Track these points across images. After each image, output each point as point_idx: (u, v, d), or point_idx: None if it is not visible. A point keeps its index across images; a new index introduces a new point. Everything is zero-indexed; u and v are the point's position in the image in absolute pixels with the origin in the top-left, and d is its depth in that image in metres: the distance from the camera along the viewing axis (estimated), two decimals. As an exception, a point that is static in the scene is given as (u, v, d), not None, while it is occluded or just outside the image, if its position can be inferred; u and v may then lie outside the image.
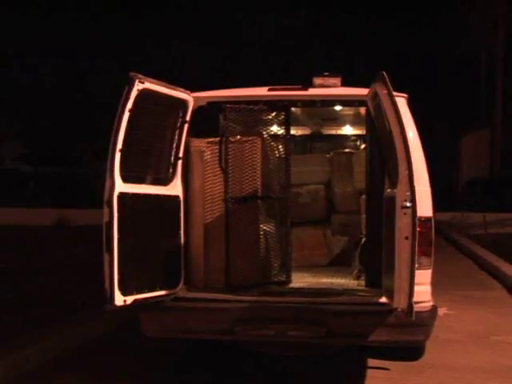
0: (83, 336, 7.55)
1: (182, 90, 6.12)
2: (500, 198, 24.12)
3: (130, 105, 5.35)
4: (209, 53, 30.96)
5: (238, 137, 6.36)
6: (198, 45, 30.98)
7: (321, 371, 6.59)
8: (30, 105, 31.40)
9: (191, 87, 6.31)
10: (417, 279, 5.00)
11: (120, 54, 29.46)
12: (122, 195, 5.33)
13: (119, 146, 5.30)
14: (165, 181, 6.12)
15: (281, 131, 6.55)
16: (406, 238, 5.05)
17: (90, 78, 30.60)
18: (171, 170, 6.18)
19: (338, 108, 7.47)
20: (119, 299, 5.28)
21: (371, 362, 6.72)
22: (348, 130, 9.63)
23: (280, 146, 6.54)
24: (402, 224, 5.15)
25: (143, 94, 5.48)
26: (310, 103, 6.64)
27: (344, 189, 8.49)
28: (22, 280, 10.05)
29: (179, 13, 31.72)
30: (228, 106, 6.26)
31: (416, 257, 4.99)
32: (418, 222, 5.01)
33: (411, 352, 6.67)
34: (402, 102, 5.89)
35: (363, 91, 6.15)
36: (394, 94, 5.25)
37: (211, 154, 6.33)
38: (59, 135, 31.76)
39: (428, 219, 5.61)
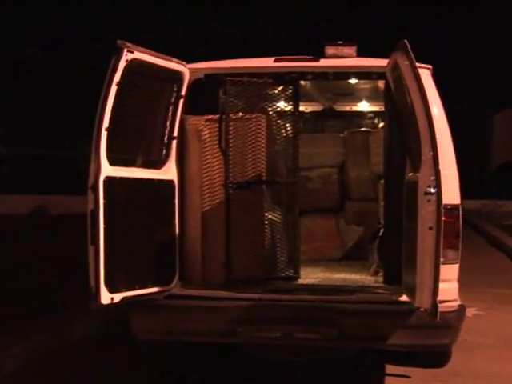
0: (66, 336, 7.62)
1: (176, 60, 6.10)
2: (537, 185, 24.05)
3: (117, 77, 5.34)
4: (208, 17, 30.82)
5: (240, 114, 6.36)
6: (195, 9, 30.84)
7: (332, 378, 6.63)
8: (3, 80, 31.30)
9: (187, 58, 6.30)
10: (442, 275, 5.02)
11: (107, 23, 29.34)
12: (108, 180, 5.34)
13: (105, 124, 5.30)
14: (157, 163, 6.13)
15: (288, 107, 6.54)
16: (430, 228, 5.07)
17: (72, 49, 30.54)
18: (164, 152, 6.19)
19: (353, 81, 7.45)
20: (106, 297, 5.30)
21: (390, 368, 6.76)
22: (364, 106, 9.62)
23: (287, 125, 6.54)
24: (426, 212, 5.16)
25: (132, 64, 5.47)
26: (321, 76, 6.63)
27: (359, 173, 8.50)
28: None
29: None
30: (229, 78, 6.25)
31: (441, 250, 5.00)
32: (443, 210, 5.03)
33: (435, 358, 6.67)
34: (425, 74, 5.88)
35: (382, 62, 6.14)
36: (417, 65, 5.25)
37: (210, 133, 6.34)
38: (37, 112, 31.69)
39: (455, 207, 5.62)
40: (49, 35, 31.35)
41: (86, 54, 29.01)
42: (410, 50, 5.22)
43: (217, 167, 6.33)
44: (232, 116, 6.27)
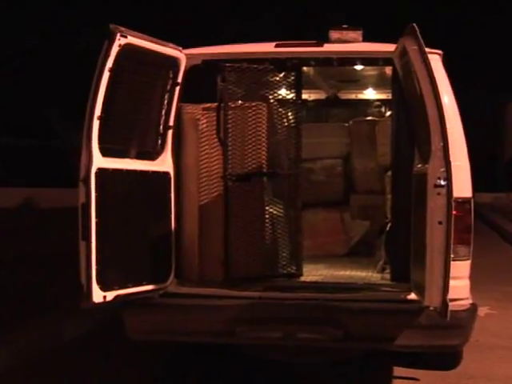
0: (56, 336, 7.64)
1: (172, 45, 6.10)
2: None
3: (110, 63, 5.34)
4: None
5: (240, 102, 6.35)
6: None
7: (335, 380, 6.63)
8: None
9: (184, 43, 6.29)
10: (452, 272, 5.02)
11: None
12: (100, 172, 5.34)
13: (98, 112, 5.29)
14: (152, 154, 6.13)
15: (290, 95, 6.53)
16: (440, 222, 5.06)
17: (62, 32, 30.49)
18: (160, 142, 6.18)
19: (358, 67, 7.46)
20: (98, 295, 5.30)
21: (397, 370, 6.76)
22: (370, 93, 9.62)
23: (289, 113, 6.53)
24: (435, 206, 5.16)
25: (126, 50, 5.46)
26: (325, 61, 6.62)
27: (365, 164, 8.50)
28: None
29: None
30: (227, 65, 6.24)
31: (451, 245, 5.00)
32: (454, 203, 5.02)
33: (445, 359, 6.70)
34: (435, 59, 5.88)
35: (389, 47, 6.13)
36: (427, 50, 5.23)
37: (207, 122, 6.34)
38: (25, 100, 31.65)
39: (466, 200, 5.62)
40: (42, 22, 31.30)
41: (79, 42, 28.96)
42: (419, 35, 5.20)
43: (215, 158, 6.33)
44: (231, 104, 6.26)
